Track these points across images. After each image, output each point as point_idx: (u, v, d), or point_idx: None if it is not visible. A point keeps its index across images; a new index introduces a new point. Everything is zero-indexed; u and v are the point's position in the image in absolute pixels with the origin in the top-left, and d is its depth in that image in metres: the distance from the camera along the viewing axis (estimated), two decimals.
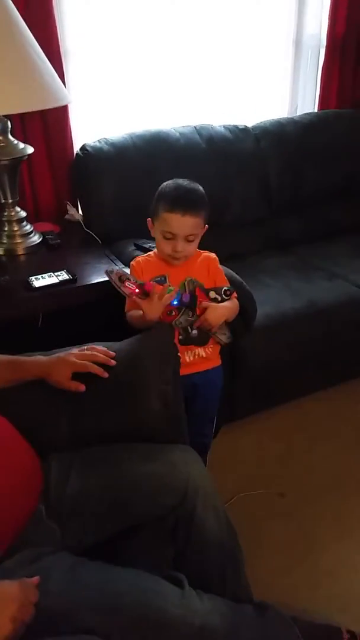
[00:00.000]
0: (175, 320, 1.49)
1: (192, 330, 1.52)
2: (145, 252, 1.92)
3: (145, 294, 1.44)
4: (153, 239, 1.59)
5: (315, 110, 2.77)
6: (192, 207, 1.44)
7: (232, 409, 2.00)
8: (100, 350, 1.32)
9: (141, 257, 1.61)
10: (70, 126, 2.13)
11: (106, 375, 1.27)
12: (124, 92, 2.31)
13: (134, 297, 1.43)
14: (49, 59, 1.78)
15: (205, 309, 1.49)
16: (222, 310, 1.52)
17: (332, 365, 2.19)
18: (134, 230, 2.05)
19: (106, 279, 1.52)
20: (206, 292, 1.53)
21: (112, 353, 1.32)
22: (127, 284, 1.44)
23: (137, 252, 1.92)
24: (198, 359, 1.57)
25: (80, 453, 1.23)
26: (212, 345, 1.59)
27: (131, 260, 1.61)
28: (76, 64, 2.17)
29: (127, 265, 1.79)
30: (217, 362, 1.63)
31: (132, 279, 1.45)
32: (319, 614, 1.43)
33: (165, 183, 1.54)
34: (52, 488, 1.16)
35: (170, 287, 1.46)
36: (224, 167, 2.33)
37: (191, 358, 1.56)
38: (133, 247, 1.96)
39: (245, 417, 2.09)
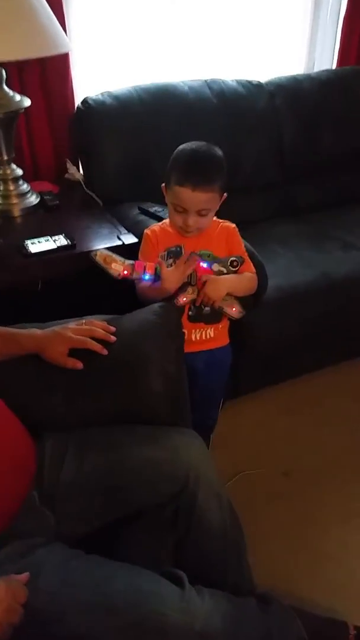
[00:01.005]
0: (173, 299, 1.37)
1: (204, 306, 1.42)
2: (151, 216, 1.80)
3: (135, 272, 1.34)
4: (164, 205, 1.48)
5: (334, 66, 2.59)
6: (204, 182, 1.31)
7: (236, 384, 1.91)
8: (99, 325, 1.22)
9: (156, 226, 1.49)
10: (71, 77, 1.97)
11: (105, 352, 1.18)
12: (130, 42, 2.14)
13: (123, 278, 1.34)
14: (47, 2, 1.63)
15: (205, 283, 1.38)
16: (224, 282, 1.40)
17: (343, 340, 2.10)
18: (139, 192, 1.94)
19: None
20: (210, 264, 1.41)
21: (112, 328, 1.22)
22: (113, 265, 1.34)
23: (142, 217, 1.81)
24: (205, 338, 1.48)
25: (76, 434, 1.14)
26: (222, 324, 1.49)
27: (145, 229, 1.49)
28: (78, 9, 1.99)
29: (136, 232, 1.68)
30: (225, 340, 1.54)
31: (119, 260, 1.35)
32: (322, 604, 1.37)
33: (181, 147, 1.39)
34: (45, 471, 1.09)
35: (169, 264, 1.36)
36: (235, 125, 2.18)
37: (198, 337, 1.47)
38: (137, 211, 1.84)
39: (250, 392, 2.01)
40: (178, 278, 1.35)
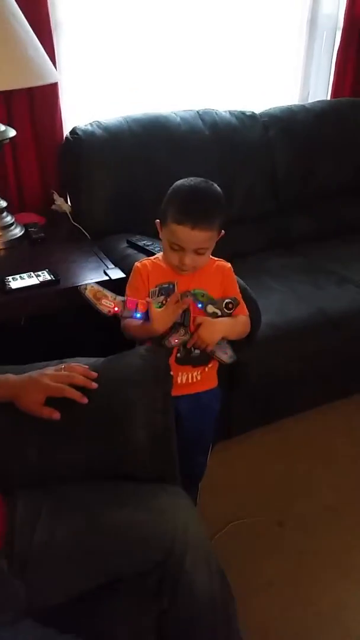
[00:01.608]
0: (164, 340, 1.29)
1: (194, 349, 1.33)
2: (139, 250, 1.73)
3: (127, 310, 1.26)
4: (153, 238, 1.40)
5: (328, 97, 2.57)
6: (203, 220, 1.24)
7: (227, 425, 1.83)
8: (79, 370, 1.13)
9: (147, 260, 1.40)
10: (59, 107, 1.93)
11: (85, 400, 1.08)
12: (120, 71, 2.10)
13: (113, 314, 1.26)
14: (36, 32, 1.59)
15: (199, 326, 1.29)
16: (219, 326, 1.32)
17: (338, 378, 2.02)
18: (127, 225, 1.88)
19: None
20: (205, 306, 1.33)
21: (94, 374, 1.13)
22: (103, 301, 1.25)
23: (130, 250, 1.74)
24: (192, 381, 1.39)
25: (51, 493, 1.05)
26: (210, 365, 1.41)
27: (135, 262, 1.41)
28: (68, 38, 1.95)
29: (124, 266, 1.61)
30: (212, 383, 1.44)
31: (109, 295, 1.26)
32: None
33: (179, 183, 1.31)
34: (17, 535, 0.99)
35: (156, 304, 1.28)
36: (229, 157, 2.14)
37: (184, 380, 1.38)
38: (125, 245, 1.77)
39: (241, 433, 1.92)
40: (168, 319, 1.27)
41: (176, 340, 1.29)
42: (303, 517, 1.69)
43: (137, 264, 1.39)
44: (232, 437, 1.88)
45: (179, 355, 1.35)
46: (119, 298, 1.28)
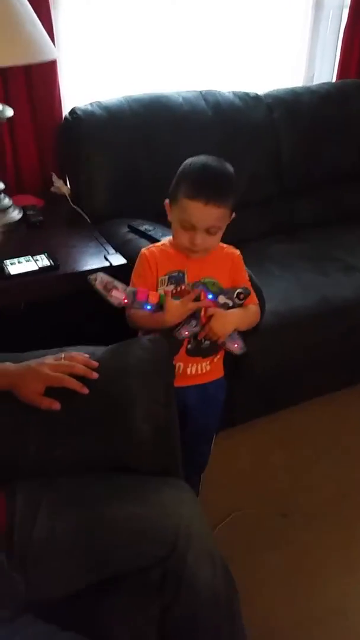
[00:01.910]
0: (174, 331, 1.24)
1: (205, 340, 1.29)
2: (141, 235, 1.68)
3: (137, 302, 1.21)
4: (155, 223, 1.35)
5: (334, 79, 2.50)
6: (217, 196, 1.19)
7: (231, 414, 1.79)
8: (80, 359, 1.09)
9: (155, 247, 1.35)
10: (58, 86, 1.86)
11: (86, 391, 1.05)
12: (121, 49, 2.03)
13: (123, 306, 1.21)
14: (34, 7, 1.52)
15: (210, 317, 1.25)
16: (231, 318, 1.27)
17: (344, 367, 1.99)
18: (129, 209, 1.83)
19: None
20: (216, 296, 1.28)
21: (95, 363, 1.10)
22: (114, 292, 1.20)
23: (131, 235, 1.69)
24: (201, 372, 1.36)
25: (51, 486, 1.01)
26: (218, 356, 1.37)
27: (142, 248, 1.34)
28: (67, 14, 1.88)
29: (125, 252, 1.56)
30: (219, 373, 1.41)
31: (120, 286, 1.21)
32: None
33: (189, 160, 1.27)
34: (16, 529, 0.95)
35: (170, 290, 1.24)
36: (232, 139, 2.08)
37: (193, 371, 1.35)
38: (127, 229, 1.72)
39: (245, 422, 1.89)
40: (182, 313, 1.22)
41: (187, 332, 1.25)
42: (307, 509, 1.67)
43: (143, 250, 1.34)
44: (235, 426, 1.86)
45: (189, 346, 1.31)
46: (129, 289, 1.23)
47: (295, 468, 1.80)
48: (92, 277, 1.21)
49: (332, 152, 2.29)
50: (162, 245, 1.35)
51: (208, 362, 1.36)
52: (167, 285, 1.29)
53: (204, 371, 1.37)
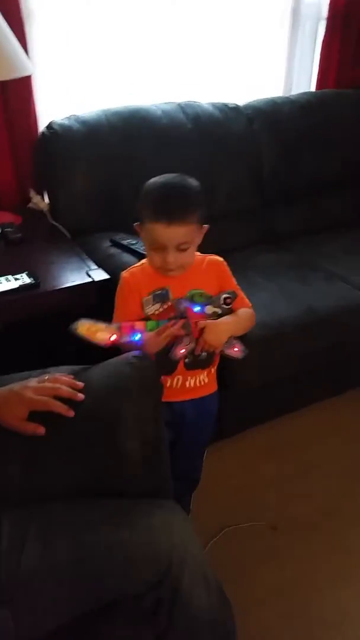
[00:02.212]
0: (170, 353, 1.22)
1: (202, 353, 1.27)
2: (123, 249, 1.66)
3: (124, 336, 1.19)
4: (137, 237, 1.33)
5: (312, 89, 2.52)
6: (179, 214, 1.17)
7: (219, 428, 1.77)
8: (64, 381, 1.06)
9: (136, 267, 1.33)
10: (34, 101, 1.84)
11: (72, 414, 1.02)
12: (98, 62, 2.02)
13: (112, 344, 1.19)
14: (7, 21, 1.50)
15: (203, 330, 1.23)
16: (224, 326, 1.25)
17: (329, 376, 1.98)
18: (109, 223, 1.81)
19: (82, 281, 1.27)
20: (203, 307, 1.25)
21: (80, 384, 1.07)
22: (98, 334, 1.17)
23: (113, 250, 1.67)
24: (199, 385, 1.34)
25: (37, 513, 0.98)
26: (214, 367, 1.36)
27: (123, 271, 1.32)
28: (41, 28, 1.86)
29: (108, 267, 1.53)
30: (214, 386, 1.40)
31: (103, 326, 1.19)
32: None
33: (151, 181, 1.25)
34: (3, 560, 0.92)
35: (151, 322, 1.21)
36: (212, 151, 2.07)
37: (192, 384, 1.33)
38: (109, 244, 1.71)
39: (233, 435, 1.87)
40: (160, 343, 1.20)
41: (182, 351, 1.22)
42: (297, 520, 1.65)
43: (123, 273, 1.32)
44: (223, 438, 1.83)
45: (187, 360, 1.29)
46: (114, 325, 1.21)
47: (286, 479, 1.78)
48: (72, 326, 1.19)
49: (313, 161, 2.30)
50: (142, 265, 1.33)
51: (206, 374, 1.34)
52: (152, 305, 1.26)
53: (202, 384, 1.35)
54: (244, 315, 1.32)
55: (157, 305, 1.26)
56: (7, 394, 1.03)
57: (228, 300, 1.28)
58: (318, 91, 2.43)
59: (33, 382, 1.06)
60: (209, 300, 1.27)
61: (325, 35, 2.36)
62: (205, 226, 1.27)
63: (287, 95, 2.45)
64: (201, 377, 1.34)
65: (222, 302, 1.27)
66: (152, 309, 1.26)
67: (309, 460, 1.86)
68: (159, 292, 1.26)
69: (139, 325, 1.20)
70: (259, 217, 2.25)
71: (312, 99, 2.32)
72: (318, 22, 2.43)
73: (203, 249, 1.34)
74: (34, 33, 1.82)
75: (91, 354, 1.26)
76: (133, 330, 1.20)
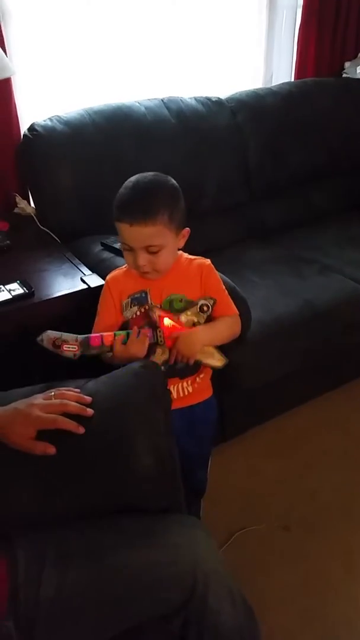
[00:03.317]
0: None
1: (177, 362, 1.22)
2: (115, 253, 1.61)
3: (92, 348, 1.15)
4: None
5: (292, 78, 2.49)
6: (142, 215, 1.13)
7: (222, 430, 1.74)
8: (72, 396, 1.02)
9: (120, 270, 1.29)
10: (15, 102, 1.78)
11: (82, 430, 0.97)
12: (77, 60, 1.96)
13: (78, 357, 1.15)
14: None
15: (177, 339, 1.18)
16: (198, 336, 1.21)
17: (329, 370, 1.96)
18: (99, 225, 1.75)
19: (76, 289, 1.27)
20: (178, 316, 1.21)
21: (88, 399, 1.02)
22: (65, 347, 1.14)
23: (106, 254, 1.62)
24: (183, 394, 1.29)
25: (53, 538, 0.94)
26: (202, 375, 1.30)
27: (98, 264, 1.31)
28: (18, 28, 1.79)
29: (101, 272, 1.48)
30: (207, 393, 1.34)
31: (70, 339, 1.15)
32: None
33: (127, 180, 1.21)
34: (21, 591, 0.87)
35: (119, 332, 1.17)
36: (197, 146, 2.04)
37: (174, 395, 1.27)
38: (100, 248, 1.65)
39: (236, 436, 1.84)
40: (130, 357, 1.15)
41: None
42: (308, 518, 1.63)
43: (108, 277, 1.29)
44: (227, 441, 1.80)
45: (162, 369, 1.24)
46: (80, 337, 1.16)
47: (292, 477, 1.76)
48: (39, 338, 1.15)
49: (298, 152, 2.28)
50: (126, 266, 1.28)
51: (189, 383, 1.29)
52: (131, 308, 1.23)
53: (186, 393, 1.30)
54: (224, 324, 1.27)
55: (135, 309, 1.22)
56: (12, 413, 0.99)
57: (205, 308, 1.24)
58: (299, 81, 2.40)
59: (39, 399, 1.02)
60: (186, 306, 1.23)
61: (301, 23, 2.34)
62: (186, 229, 1.22)
63: (267, 85, 2.42)
64: (184, 385, 1.29)
65: (198, 309, 1.23)
66: (130, 312, 1.23)
67: (313, 456, 1.84)
68: (138, 295, 1.23)
69: (107, 336, 1.16)
70: (247, 212, 2.22)
71: (294, 89, 2.30)
72: (295, 11, 2.40)
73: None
74: (10, 33, 1.75)
75: (92, 364, 1.22)
76: (101, 344, 1.16)
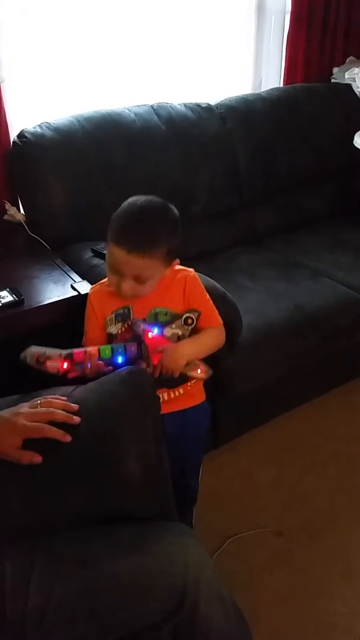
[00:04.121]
0: None
1: (161, 375, 1.21)
2: (105, 259, 1.61)
3: (77, 363, 1.13)
4: None
5: (281, 84, 2.50)
6: (143, 246, 1.11)
7: (213, 436, 1.74)
8: (58, 404, 1.01)
9: (101, 284, 1.28)
10: (4, 109, 1.77)
11: (68, 439, 0.97)
12: (65, 67, 1.96)
13: (62, 373, 1.13)
14: None
15: (161, 353, 1.17)
16: (183, 350, 1.20)
17: (320, 375, 1.97)
18: (89, 232, 1.76)
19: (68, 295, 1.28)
20: (162, 329, 1.20)
21: (74, 406, 1.02)
22: (48, 363, 1.12)
23: (96, 261, 1.62)
24: (174, 396, 1.29)
25: (40, 547, 0.93)
26: (193, 382, 1.30)
27: (88, 270, 1.30)
28: (8, 33, 1.79)
29: (92, 279, 1.48)
30: (199, 397, 1.33)
31: (53, 354, 1.13)
32: None
33: (129, 200, 1.18)
34: (8, 602, 0.87)
35: (104, 347, 1.15)
36: (188, 152, 2.04)
37: (166, 397, 1.27)
38: (90, 254, 1.65)
39: (228, 441, 1.83)
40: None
41: None
42: (300, 523, 1.63)
43: (90, 292, 1.29)
44: (219, 447, 1.80)
45: None
46: (64, 352, 1.14)
47: (285, 482, 1.76)
48: (22, 355, 1.13)
49: (288, 157, 2.28)
50: (108, 282, 1.26)
51: (181, 387, 1.29)
52: (115, 324, 1.22)
53: (177, 394, 1.29)
54: (208, 335, 1.26)
55: (119, 325, 1.22)
56: None
57: (189, 321, 1.23)
58: (288, 86, 2.41)
59: (25, 407, 1.01)
60: (171, 319, 1.22)
61: (290, 29, 2.34)
62: (176, 260, 1.21)
63: (256, 90, 2.43)
64: (172, 390, 1.28)
65: (183, 322, 1.22)
66: (115, 328, 1.22)
67: (305, 460, 1.84)
68: (121, 311, 1.22)
69: (91, 351, 1.14)
70: (238, 217, 2.22)
71: (283, 95, 2.31)
72: (284, 16, 2.41)
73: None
74: (0, 42, 1.75)
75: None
76: (85, 357, 1.14)
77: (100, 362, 1.13)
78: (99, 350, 1.15)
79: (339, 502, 1.69)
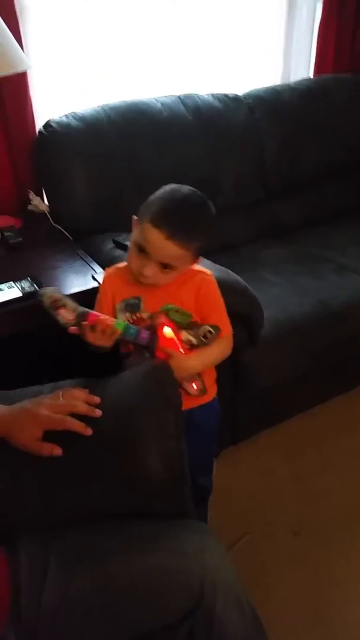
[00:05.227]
0: (127, 360, 1.16)
1: None
2: (127, 251, 1.59)
3: (85, 325, 1.10)
4: None
5: (311, 74, 2.45)
6: (183, 234, 1.08)
7: (233, 430, 1.72)
8: (80, 396, 1.00)
9: (115, 268, 1.25)
10: (30, 98, 1.76)
11: (90, 432, 0.96)
12: (94, 57, 1.93)
13: (71, 329, 1.11)
14: (0, 16, 1.43)
15: (169, 356, 1.13)
16: (191, 363, 1.17)
17: (343, 372, 1.93)
18: (112, 223, 1.74)
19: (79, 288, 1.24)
20: (179, 330, 1.16)
21: (97, 399, 1.01)
22: (61, 310, 1.09)
23: (118, 252, 1.60)
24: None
25: (57, 541, 0.92)
26: (204, 375, 1.23)
27: (110, 262, 1.27)
28: (36, 22, 1.77)
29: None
30: (208, 396, 1.27)
31: (70, 306, 1.10)
32: None
33: (171, 186, 1.14)
34: (23, 597, 0.86)
35: (120, 322, 1.12)
36: (214, 143, 2.00)
37: None
38: (112, 245, 1.64)
39: (247, 438, 1.81)
40: (104, 341, 1.13)
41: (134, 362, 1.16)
42: (318, 522, 1.61)
43: (104, 275, 1.27)
44: (237, 443, 1.78)
45: None
46: (81, 310, 1.10)
47: (302, 481, 1.74)
48: (39, 291, 1.10)
49: (316, 149, 2.23)
50: (121, 265, 1.24)
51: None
52: (123, 313, 1.20)
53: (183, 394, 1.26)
54: (216, 348, 1.20)
55: (128, 315, 1.19)
56: (19, 412, 0.97)
57: (208, 336, 1.17)
58: (317, 77, 2.36)
59: (46, 398, 1.01)
60: (189, 324, 1.18)
61: (322, 19, 2.29)
62: (199, 259, 1.18)
63: (285, 81, 2.38)
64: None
65: (202, 335, 1.17)
66: (122, 317, 1.19)
67: (325, 458, 1.81)
68: (132, 301, 1.19)
69: (106, 320, 1.11)
70: (263, 210, 2.19)
71: (312, 85, 2.26)
72: (315, 6, 2.35)
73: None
74: (28, 29, 1.73)
75: (103, 363, 1.21)
76: (97, 324, 1.10)
77: None
78: (114, 321, 1.12)
79: (357, 500, 1.67)
